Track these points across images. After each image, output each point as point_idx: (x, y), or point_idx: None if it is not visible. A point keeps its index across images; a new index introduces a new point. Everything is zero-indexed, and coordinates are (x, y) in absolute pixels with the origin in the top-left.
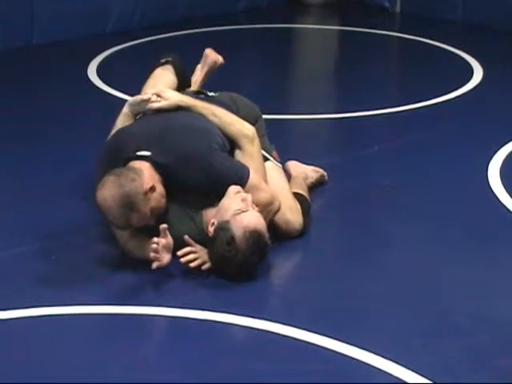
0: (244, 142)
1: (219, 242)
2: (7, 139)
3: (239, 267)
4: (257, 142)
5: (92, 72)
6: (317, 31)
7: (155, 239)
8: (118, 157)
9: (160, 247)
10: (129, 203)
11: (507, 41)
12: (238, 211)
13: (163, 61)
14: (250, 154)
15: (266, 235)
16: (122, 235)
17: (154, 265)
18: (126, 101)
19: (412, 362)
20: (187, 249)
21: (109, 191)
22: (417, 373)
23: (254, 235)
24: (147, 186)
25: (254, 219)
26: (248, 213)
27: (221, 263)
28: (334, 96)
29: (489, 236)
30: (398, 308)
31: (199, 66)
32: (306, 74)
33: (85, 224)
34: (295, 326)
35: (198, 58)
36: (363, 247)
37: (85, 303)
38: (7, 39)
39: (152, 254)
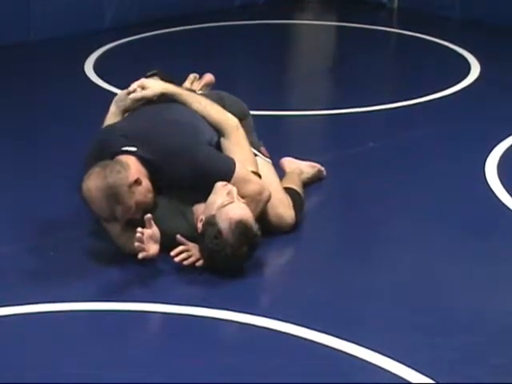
0: (229, 131)
1: (207, 237)
2: (4, 135)
3: (230, 261)
4: (241, 130)
5: (89, 68)
6: (314, 27)
7: (139, 229)
8: (105, 153)
9: (145, 237)
10: (113, 195)
11: (504, 37)
12: (222, 204)
13: (149, 74)
14: (237, 141)
15: (254, 225)
16: (114, 230)
17: (140, 255)
18: None
19: (409, 358)
20: (180, 248)
21: (94, 182)
22: (414, 369)
23: (239, 226)
24: (132, 178)
25: (238, 210)
26: (233, 205)
27: (211, 258)
28: (331, 92)
29: (487, 233)
30: (395, 305)
31: (192, 76)
32: (303, 70)
33: (78, 220)
34: (291, 322)
35: (194, 53)
36: (360, 243)
37: (75, 300)
38: (3, 35)
39: (136, 244)
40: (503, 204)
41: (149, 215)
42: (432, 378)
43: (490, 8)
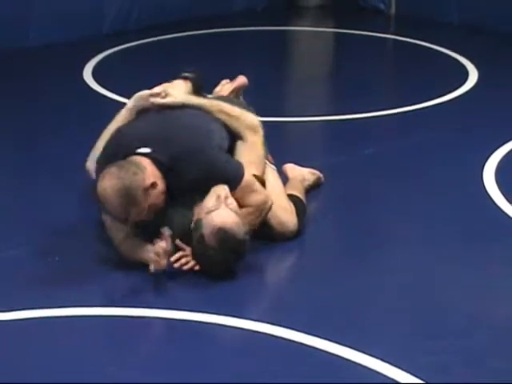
0: (247, 133)
1: (194, 239)
2: (3, 140)
3: (214, 264)
4: (260, 133)
5: (88, 74)
6: (312, 33)
7: (161, 244)
8: (119, 154)
9: (162, 252)
10: (128, 196)
11: (502, 43)
12: (209, 210)
13: (186, 75)
14: (252, 143)
15: (239, 232)
16: (117, 237)
17: (153, 268)
18: (121, 103)
19: (409, 363)
20: (179, 254)
21: (109, 182)
22: (414, 375)
23: (220, 232)
24: (149, 181)
25: (221, 218)
26: (218, 211)
27: (198, 260)
28: (330, 98)
29: (484, 238)
30: (395, 309)
31: (224, 82)
32: (301, 77)
33: (79, 226)
34: (291, 328)
35: (192, 60)
36: (359, 248)
37: (80, 305)
38: (2, 41)
39: (155, 258)
40: (501, 210)
41: (168, 232)
42: (431, 383)
43: (487, 14)
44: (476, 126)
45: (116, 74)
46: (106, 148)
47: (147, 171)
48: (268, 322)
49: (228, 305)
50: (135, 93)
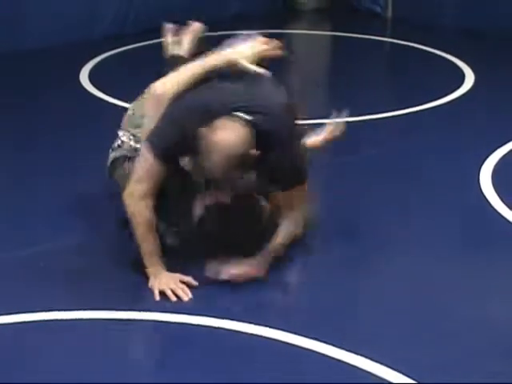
0: None
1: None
2: (0, 141)
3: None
4: None
5: (84, 77)
6: (309, 37)
7: (187, 293)
8: (216, 109)
9: (180, 292)
10: (237, 158)
11: (498, 46)
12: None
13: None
14: None
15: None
16: (145, 218)
17: (158, 296)
18: (117, 106)
19: (406, 366)
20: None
21: (222, 136)
22: (412, 378)
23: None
24: (255, 152)
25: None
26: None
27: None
28: (326, 101)
29: (482, 241)
30: (393, 313)
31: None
32: (297, 80)
33: (80, 226)
34: (290, 332)
35: None
36: (357, 252)
37: (62, 309)
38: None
39: (171, 293)
40: (498, 212)
41: (194, 283)
42: None
43: (484, 17)
44: (472, 129)
45: (113, 77)
46: (190, 111)
47: (253, 140)
48: (268, 326)
49: (227, 309)
50: (132, 96)
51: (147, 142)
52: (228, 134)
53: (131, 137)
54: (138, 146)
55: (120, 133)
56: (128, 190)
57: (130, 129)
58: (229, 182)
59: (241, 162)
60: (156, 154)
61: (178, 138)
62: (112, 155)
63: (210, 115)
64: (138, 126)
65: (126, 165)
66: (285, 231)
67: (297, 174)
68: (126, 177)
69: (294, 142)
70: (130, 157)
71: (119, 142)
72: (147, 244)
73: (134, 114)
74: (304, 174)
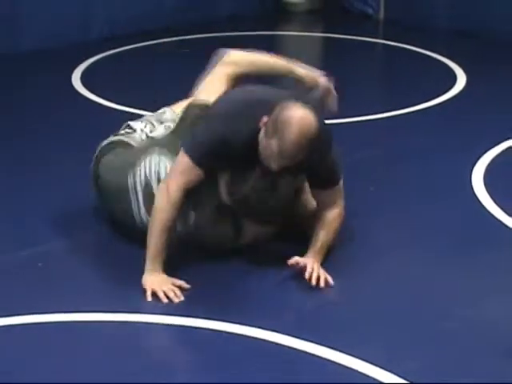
0: None
1: None
2: None
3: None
4: None
5: (76, 79)
6: (301, 38)
7: (179, 295)
8: (275, 103)
9: (172, 294)
10: (312, 138)
11: (490, 48)
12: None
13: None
14: None
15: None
16: (166, 215)
17: (150, 297)
18: (110, 108)
19: (402, 368)
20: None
21: (306, 114)
22: (406, 379)
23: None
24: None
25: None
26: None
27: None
28: None
29: (475, 242)
30: (387, 314)
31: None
32: (289, 81)
33: (79, 227)
34: (284, 333)
35: (182, 65)
36: (350, 254)
37: (62, 310)
38: None
39: (163, 295)
40: (490, 213)
41: (186, 286)
42: None
43: (476, 19)
44: (464, 130)
45: (105, 80)
46: (238, 105)
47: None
48: (263, 328)
49: (222, 311)
50: (124, 98)
51: (189, 143)
52: (306, 113)
53: (148, 125)
54: (153, 134)
55: (132, 122)
56: (162, 184)
57: (152, 120)
58: (285, 169)
59: (310, 146)
60: (195, 156)
61: (223, 138)
62: (107, 140)
63: (271, 105)
64: (162, 122)
65: (119, 151)
66: (323, 240)
67: (332, 174)
68: (112, 163)
69: (332, 143)
70: (128, 143)
71: (127, 129)
72: (157, 242)
73: (164, 112)
74: (339, 173)
